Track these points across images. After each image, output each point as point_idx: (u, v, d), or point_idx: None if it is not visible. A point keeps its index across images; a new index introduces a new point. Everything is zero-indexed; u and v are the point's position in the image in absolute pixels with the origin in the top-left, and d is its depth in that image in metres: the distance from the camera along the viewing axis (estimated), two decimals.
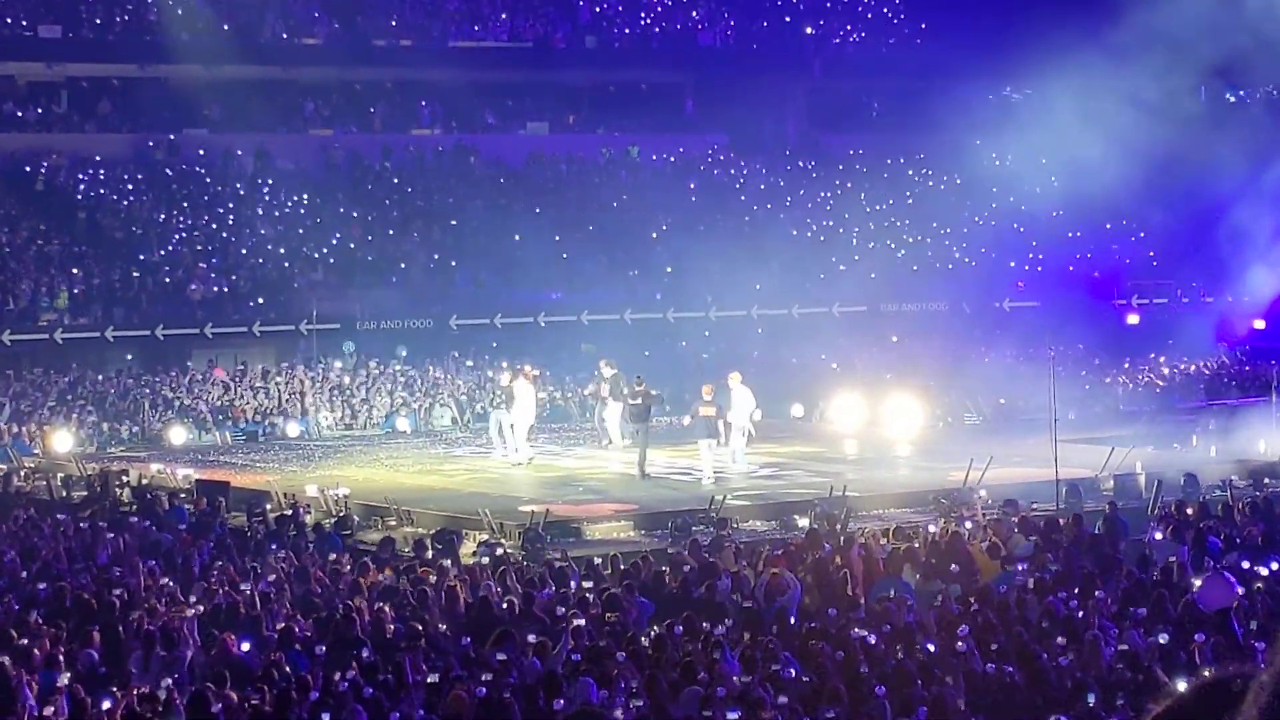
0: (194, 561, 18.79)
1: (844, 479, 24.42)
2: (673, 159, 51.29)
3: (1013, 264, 46.47)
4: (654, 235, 45.63)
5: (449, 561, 18.77)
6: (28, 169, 44.25)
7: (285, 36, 49.09)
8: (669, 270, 44.42)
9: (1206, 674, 1.90)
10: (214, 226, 43.27)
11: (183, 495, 24.36)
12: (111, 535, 20.29)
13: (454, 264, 43.63)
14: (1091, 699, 12.24)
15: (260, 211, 44.43)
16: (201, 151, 46.39)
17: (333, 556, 19.07)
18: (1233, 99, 57.95)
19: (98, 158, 45.21)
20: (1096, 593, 16.11)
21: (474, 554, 20.70)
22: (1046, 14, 48.16)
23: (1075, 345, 39.30)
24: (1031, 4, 48.48)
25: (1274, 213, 41.45)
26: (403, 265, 43.38)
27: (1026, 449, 28.04)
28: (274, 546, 19.75)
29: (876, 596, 16.60)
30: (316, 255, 42.79)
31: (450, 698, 12.39)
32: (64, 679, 13.27)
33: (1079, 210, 47.78)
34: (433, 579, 17.34)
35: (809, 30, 54.85)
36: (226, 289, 41.07)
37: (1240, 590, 14.75)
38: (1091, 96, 49.68)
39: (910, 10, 55.30)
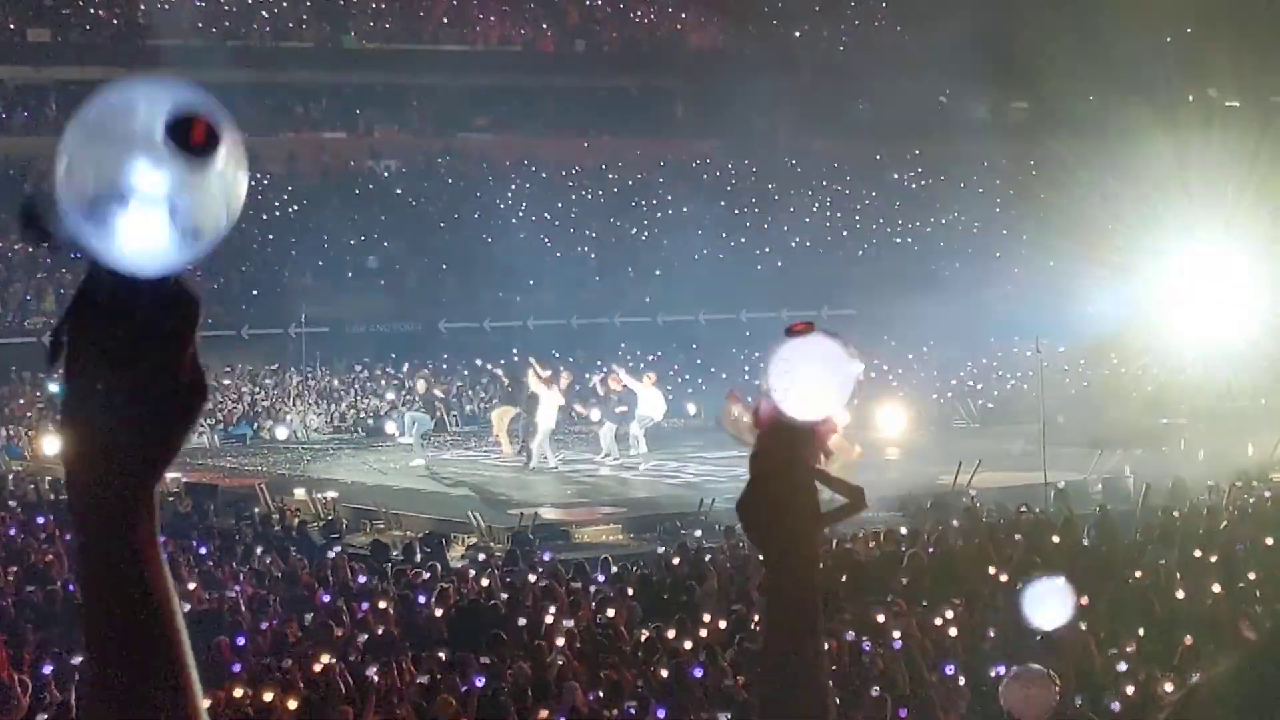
0: (180, 564, 18.76)
1: None
2: (662, 163, 51.31)
3: (1000, 257, 46.44)
4: (643, 239, 45.63)
5: (438, 564, 18.78)
6: (16, 173, 44.16)
7: (274, 39, 49.05)
8: (658, 274, 44.42)
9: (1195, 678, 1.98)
10: None
11: (171, 498, 24.35)
12: None
13: (443, 267, 43.61)
14: (1079, 701, 12.24)
15: (249, 214, 44.36)
16: None
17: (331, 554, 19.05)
18: (1235, 103, 57.97)
19: None
20: (1085, 597, 16.14)
21: (463, 557, 20.72)
22: (1043, 16, 48.21)
23: (1066, 347, 39.29)
24: (1027, 5, 48.51)
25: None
26: (392, 268, 43.35)
27: (1015, 452, 28.09)
28: (261, 549, 19.74)
29: (864, 602, 16.60)
30: (305, 258, 42.75)
31: (439, 701, 12.39)
32: (54, 684, 13.24)
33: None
34: (421, 581, 17.34)
35: (797, 33, 54.89)
36: (215, 291, 41.03)
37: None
38: (1089, 97, 49.73)
39: (900, 11, 55.34)
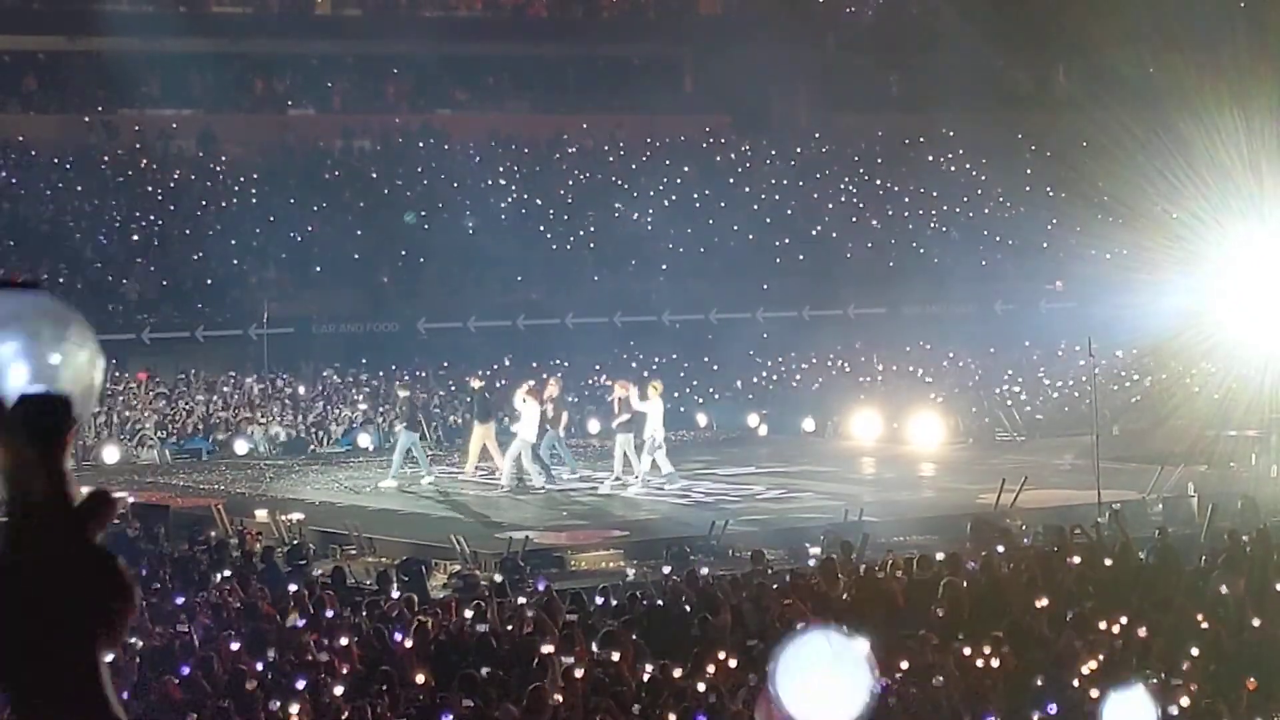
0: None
1: (860, 502, 24.45)
2: (669, 142, 51.31)
3: (1048, 248, 46.40)
4: (648, 227, 45.63)
5: (415, 595, 18.78)
6: None
7: (232, 4, 49.09)
8: (664, 267, 44.43)
9: None
10: (152, 218, 43.24)
11: (118, 520, 24.38)
12: None
13: (422, 260, 43.62)
14: None
15: (205, 201, 44.40)
16: (139, 132, 46.36)
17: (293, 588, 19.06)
18: None
19: (21, 140, 45.20)
20: (1142, 629, 16.17)
21: (444, 586, 20.70)
22: None
23: (1120, 351, 39.34)
24: None
25: None
26: (365, 262, 43.35)
27: (1064, 468, 28.08)
28: (219, 577, 19.75)
29: (896, 637, 16.61)
30: (268, 250, 42.77)
31: None
32: None
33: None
34: (397, 614, 17.36)
35: None
36: (166, 289, 41.03)
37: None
38: (1149, 67, 49.72)
39: None
